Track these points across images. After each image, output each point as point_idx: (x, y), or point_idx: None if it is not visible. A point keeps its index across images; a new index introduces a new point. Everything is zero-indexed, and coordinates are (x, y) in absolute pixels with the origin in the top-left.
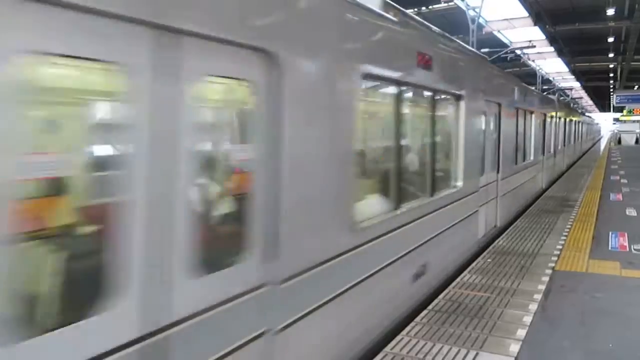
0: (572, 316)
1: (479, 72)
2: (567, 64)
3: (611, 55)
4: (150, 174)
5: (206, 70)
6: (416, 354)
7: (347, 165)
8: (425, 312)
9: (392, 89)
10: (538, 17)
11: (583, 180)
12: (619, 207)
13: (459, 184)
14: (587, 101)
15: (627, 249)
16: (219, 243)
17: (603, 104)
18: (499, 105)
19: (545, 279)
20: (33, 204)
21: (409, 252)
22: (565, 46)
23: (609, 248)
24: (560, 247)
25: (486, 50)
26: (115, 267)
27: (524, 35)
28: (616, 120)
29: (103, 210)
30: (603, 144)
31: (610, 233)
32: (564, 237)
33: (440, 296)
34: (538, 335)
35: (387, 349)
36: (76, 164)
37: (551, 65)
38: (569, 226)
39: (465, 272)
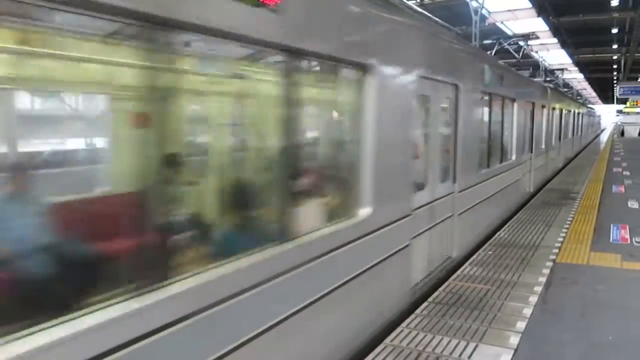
0: (573, 308)
1: (409, 35)
2: (571, 55)
3: (615, 46)
4: None
5: None
6: (416, 346)
7: None
8: (425, 304)
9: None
10: (541, 8)
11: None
12: (621, 199)
13: (366, 211)
14: (590, 93)
15: (629, 241)
16: None
17: (606, 96)
18: (456, 87)
19: (546, 271)
20: None
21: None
22: (569, 37)
23: (610, 240)
24: (562, 239)
25: (489, 41)
26: None
27: (527, 27)
28: (619, 112)
29: None
30: (605, 136)
31: (611, 225)
32: (565, 229)
33: (441, 288)
34: (538, 327)
35: (387, 340)
36: None
37: (554, 56)
38: (571, 218)
39: (466, 264)
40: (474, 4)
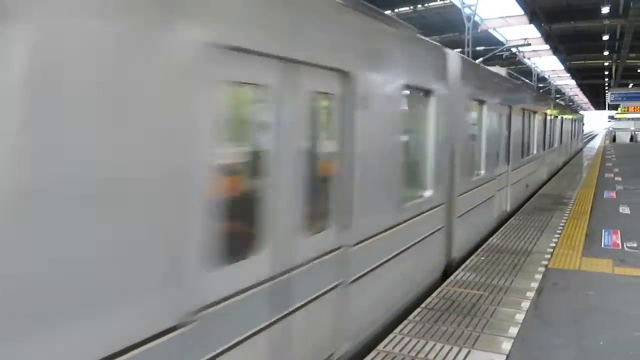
0: (564, 314)
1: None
2: (563, 61)
3: (606, 53)
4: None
5: None
6: (409, 352)
7: None
8: (418, 310)
9: None
10: (533, 15)
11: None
12: (613, 205)
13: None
14: (582, 99)
15: (620, 247)
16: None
17: (598, 102)
18: None
19: (539, 276)
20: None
21: None
22: (561, 44)
23: (602, 246)
24: (554, 244)
25: (482, 48)
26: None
27: (520, 33)
28: (611, 117)
29: None
30: (596, 144)
31: (603, 231)
32: (558, 235)
33: (434, 294)
34: (530, 332)
35: (380, 347)
36: None
37: (546, 63)
38: (563, 224)
39: (459, 270)
40: (466, 11)
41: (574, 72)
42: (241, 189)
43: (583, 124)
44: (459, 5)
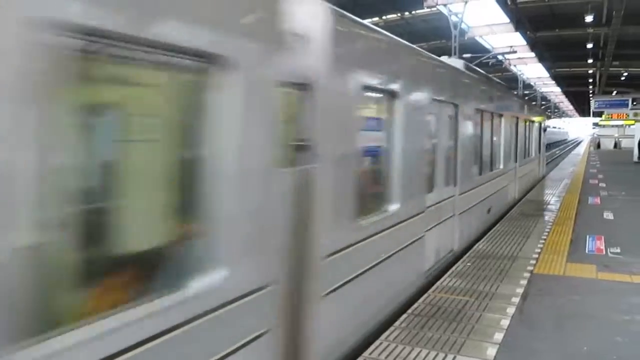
0: (549, 319)
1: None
2: (548, 69)
3: (590, 61)
4: None
5: None
6: (394, 359)
7: None
8: (404, 316)
9: None
10: (519, 23)
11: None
12: (597, 211)
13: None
14: (567, 106)
15: (604, 252)
16: None
17: (583, 109)
18: None
19: (524, 282)
20: None
21: None
22: (546, 51)
23: (586, 251)
24: (539, 250)
25: (469, 55)
26: None
27: (506, 41)
28: (595, 124)
29: None
30: (582, 149)
31: (587, 236)
32: (543, 241)
33: (420, 300)
34: (515, 338)
35: (366, 353)
36: None
37: (532, 70)
38: (548, 229)
39: (445, 275)
40: (453, 19)
41: (559, 79)
42: None
43: (544, 129)
44: (445, 13)
